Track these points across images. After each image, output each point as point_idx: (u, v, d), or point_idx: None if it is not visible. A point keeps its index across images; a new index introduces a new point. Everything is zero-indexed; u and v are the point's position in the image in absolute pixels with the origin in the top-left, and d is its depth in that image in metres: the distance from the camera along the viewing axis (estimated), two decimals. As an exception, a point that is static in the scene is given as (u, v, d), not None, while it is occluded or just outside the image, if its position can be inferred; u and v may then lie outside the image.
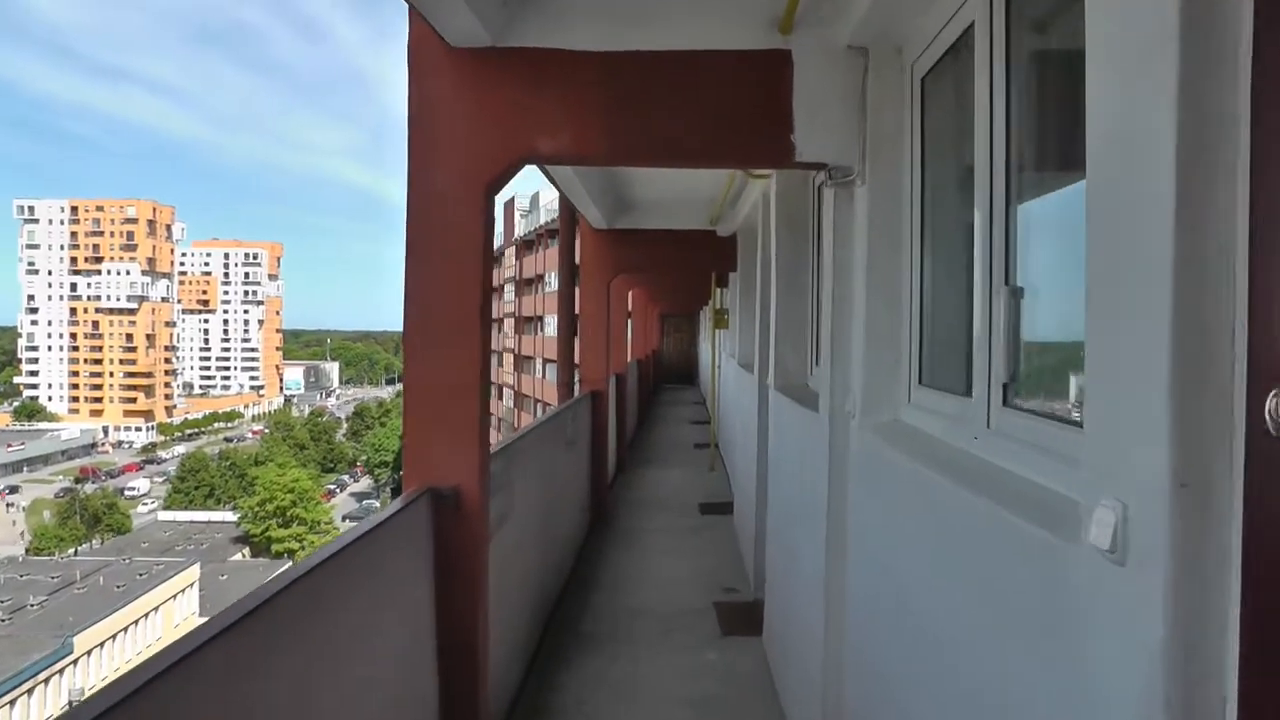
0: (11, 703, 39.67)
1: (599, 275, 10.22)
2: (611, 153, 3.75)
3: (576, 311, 10.56)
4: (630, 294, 18.18)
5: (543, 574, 6.68)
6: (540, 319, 54.55)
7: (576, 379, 10.21)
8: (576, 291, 10.74)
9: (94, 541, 77.41)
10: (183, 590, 53.86)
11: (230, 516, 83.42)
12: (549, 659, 6.10)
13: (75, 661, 43.82)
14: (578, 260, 10.49)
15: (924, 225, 3.39)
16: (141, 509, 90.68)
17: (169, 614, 51.77)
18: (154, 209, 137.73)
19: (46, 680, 42.07)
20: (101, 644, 45.80)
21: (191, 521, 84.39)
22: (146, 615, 49.90)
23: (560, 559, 7.61)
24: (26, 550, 74.42)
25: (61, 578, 53.59)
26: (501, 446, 5.23)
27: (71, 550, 72.79)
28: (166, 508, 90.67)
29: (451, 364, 3.70)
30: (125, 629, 47.84)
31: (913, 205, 3.45)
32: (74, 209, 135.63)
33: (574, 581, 7.87)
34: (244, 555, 74.88)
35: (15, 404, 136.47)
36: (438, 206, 3.69)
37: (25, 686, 40.65)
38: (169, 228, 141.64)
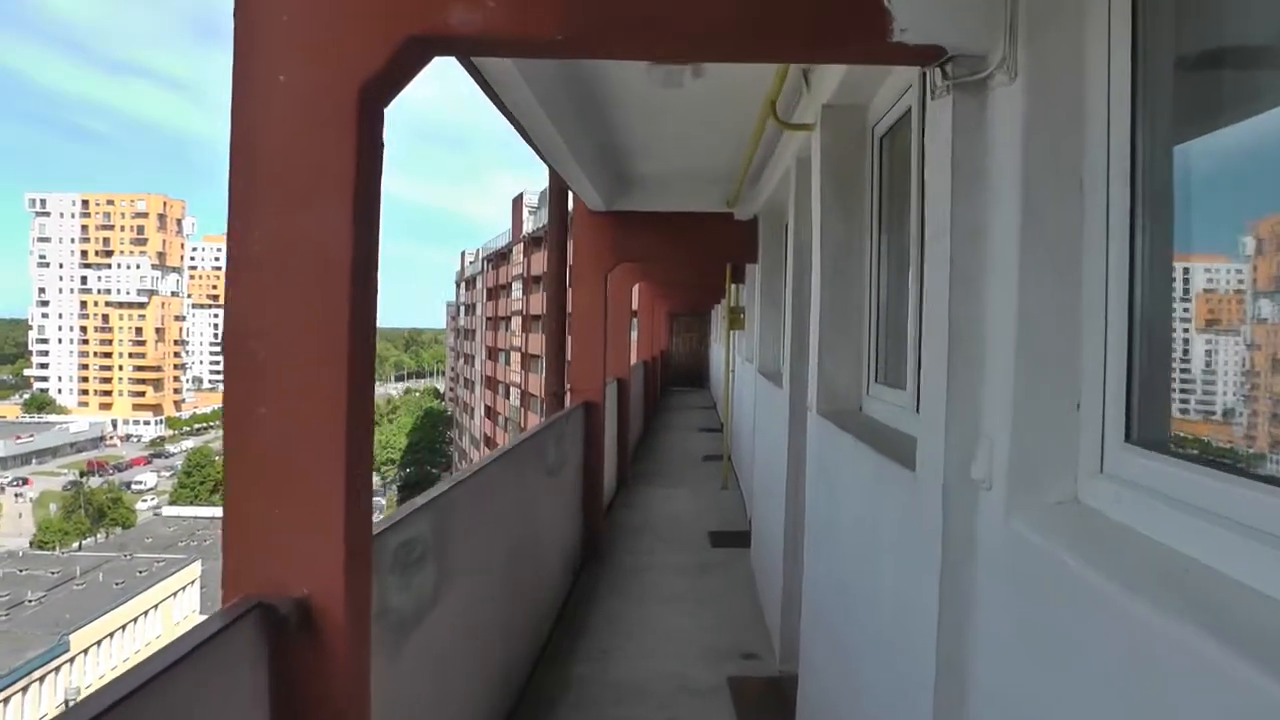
0: (5, 701, 38.92)
1: (596, 265, 8.59)
2: (578, 30, 2.16)
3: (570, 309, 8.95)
4: (636, 289, 16.61)
5: (504, 650, 5.14)
6: (548, 316, 53.11)
7: (568, 387, 8.64)
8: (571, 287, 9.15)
9: (98, 536, 76.91)
10: (183, 588, 53.24)
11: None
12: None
13: (71, 660, 43.20)
14: (571, 251, 8.89)
15: (1138, 151, 1.84)
16: (142, 505, 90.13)
17: (168, 612, 51.12)
18: (164, 203, 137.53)
19: (42, 679, 41.35)
20: (99, 642, 45.33)
21: (196, 517, 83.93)
22: (145, 613, 49.35)
23: (535, 619, 6.06)
24: (31, 543, 74.04)
25: (61, 573, 53.25)
26: (435, 495, 3.71)
27: (75, 544, 72.39)
28: (172, 503, 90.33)
29: (301, 393, 2.16)
30: (123, 627, 47.21)
31: (1110, 119, 1.91)
32: (85, 202, 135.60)
33: (554, 643, 6.33)
34: (247, 552, 74.11)
35: (25, 396, 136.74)
36: (278, 126, 2.16)
37: (20, 685, 40.07)
38: (179, 222, 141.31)
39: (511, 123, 5.18)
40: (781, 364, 7.94)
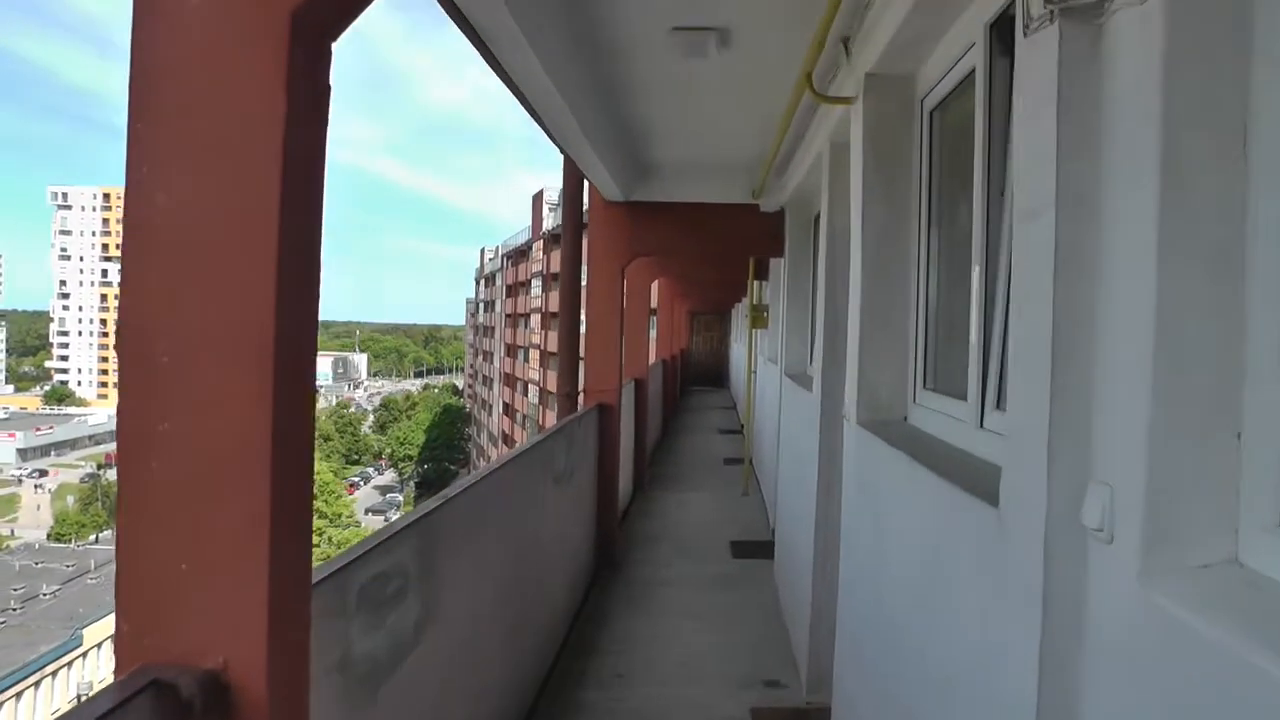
0: (18, 696, 38.84)
1: (612, 259, 8.07)
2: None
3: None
4: (655, 285, 16.09)
5: (505, 676, 4.65)
6: (567, 313, 52.88)
7: (581, 388, 8.13)
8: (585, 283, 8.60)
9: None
10: (198, 582, 53.13)
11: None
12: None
13: (84, 654, 42.96)
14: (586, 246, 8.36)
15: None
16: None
17: (182, 606, 51.04)
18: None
19: (54, 673, 41.20)
20: (111, 637, 44.94)
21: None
22: (160, 608, 49.13)
23: (541, 640, 5.57)
24: (48, 535, 74.44)
25: (76, 566, 53.14)
26: (419, 516, 3.22)
27: (92, 537, 72.70)
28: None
29: (212, 404, 1.67)
30: (137, 622, 47.05)
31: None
32: (106, 196, 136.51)
33: (563, 665, 5.85)
34: (263, 547, 74.40)
35: (46, 388, 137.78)
36: (188, 60, 1.67)
37: (32, 679, 39.87)
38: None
39: (518, 98, 4.69)
40: (810, 366, 7.42)
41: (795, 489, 6.47)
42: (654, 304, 18.61)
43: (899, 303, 3.82)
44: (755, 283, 11.83)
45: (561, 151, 6.48)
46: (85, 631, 43.18)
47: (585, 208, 8.30)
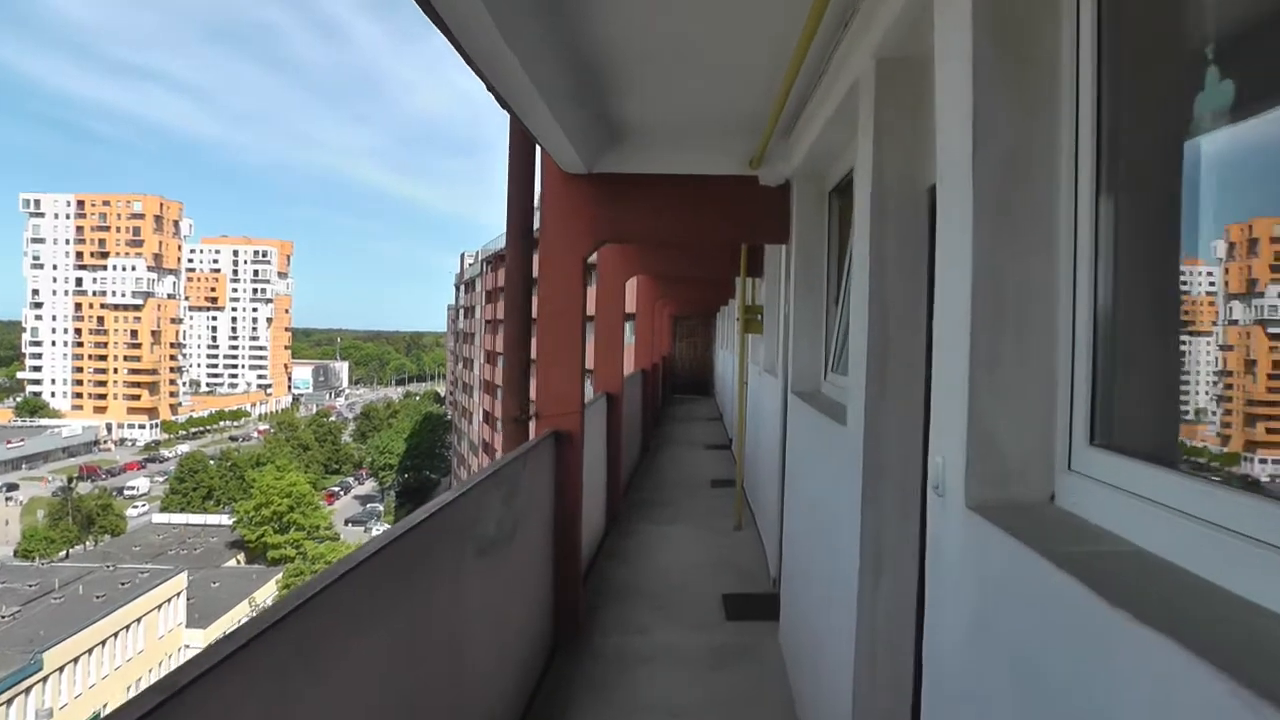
0: (-32, 725, 37.14)
1: (571, 246, 6.26)
2: None
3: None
4: (632, 286, 14.36)
5: None
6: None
7: (533, 411, 6.39)
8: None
9: (86, 544, 75.22)
10: (168, 600, 51.38)
11: (226, 520, 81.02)
12: None
13: (45, 679, 41.07)
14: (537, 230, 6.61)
15: None
16: (133, 511, 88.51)
17: (152, 625, 49.26)
18: (161, 204, 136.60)
19: (10, 701, 39.31)
20: (75, 660, 43.31)
21: (187, 525, 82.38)
22: (127, 627, 47.43)
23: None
24: (15, 552, 72.32)
25: (39, 585, 51.09)
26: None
27: (63, 553, 70.69)
28: (163, 509, 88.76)
29: None
30: (103, 642, 45.25)
31: None
32: (80, 203, 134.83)
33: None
34: (239, 561, 72.89)
35: (18, 400, 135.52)
36: None
37: (-18, 707, 38.08)
38: (176, 223, 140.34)
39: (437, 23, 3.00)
40: (824, 383, 5.74)
41: (818, 555, 4.78)
42: (632, 308, 16.89)
43: (1039, 294, 2.15)
44: (748, 280, 10.15)
45: (503, 107, 4.80)
46: (46, 655, 41.46)
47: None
